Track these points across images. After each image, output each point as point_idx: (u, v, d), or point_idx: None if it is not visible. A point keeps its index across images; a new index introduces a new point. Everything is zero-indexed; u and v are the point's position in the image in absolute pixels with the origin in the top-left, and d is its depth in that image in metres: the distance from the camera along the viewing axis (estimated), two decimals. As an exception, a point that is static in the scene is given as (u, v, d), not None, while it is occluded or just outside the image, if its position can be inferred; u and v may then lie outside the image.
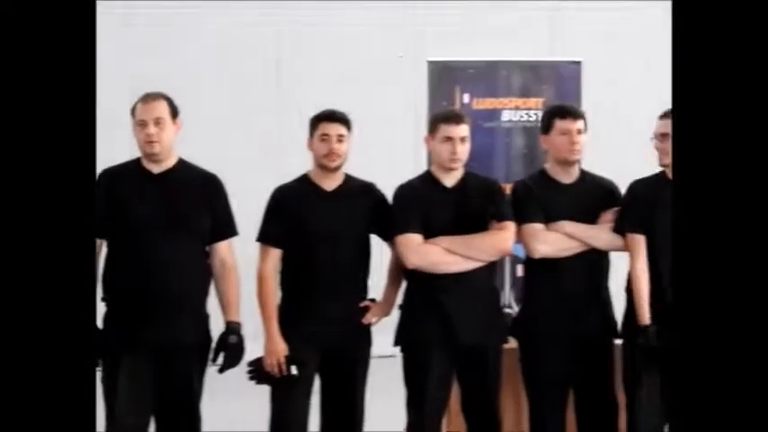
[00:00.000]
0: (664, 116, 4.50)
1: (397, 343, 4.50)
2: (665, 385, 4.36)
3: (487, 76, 6.01)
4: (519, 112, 6.01)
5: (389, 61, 6.86)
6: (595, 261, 4.55)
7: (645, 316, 4.40)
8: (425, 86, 5.93)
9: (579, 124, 4.57)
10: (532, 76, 6.05)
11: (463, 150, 4.45)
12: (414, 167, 4.55)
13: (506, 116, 5.98)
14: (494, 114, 5.98)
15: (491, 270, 4.52)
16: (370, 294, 4.58)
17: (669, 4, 7.00)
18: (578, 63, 6.06)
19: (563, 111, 4.63)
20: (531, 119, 5.99)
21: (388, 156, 5.55)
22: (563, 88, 6.03)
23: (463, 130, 4.46)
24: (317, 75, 7.49)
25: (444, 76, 5.96)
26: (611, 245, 4.54)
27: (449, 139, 4.43)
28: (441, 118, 4.52)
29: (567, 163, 4.59)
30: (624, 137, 5.96)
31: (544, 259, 4.51)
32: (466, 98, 5.98)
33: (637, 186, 4.58)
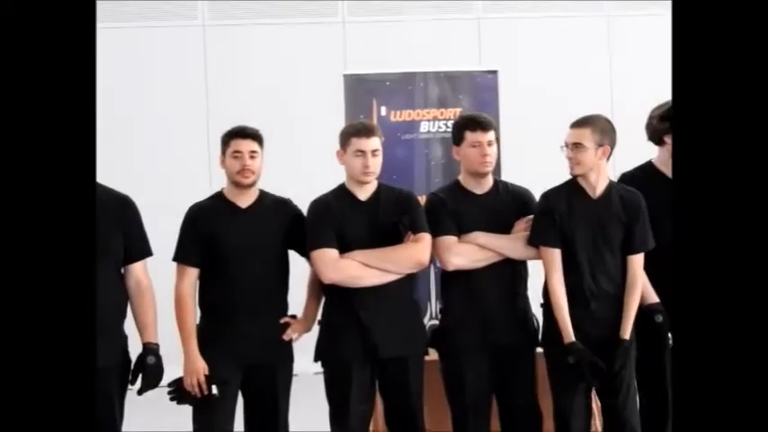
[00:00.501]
0: (574, 125, 4.53)
1: (317, 358, 4.48)
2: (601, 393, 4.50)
3: (404, 88, 6.01)
4: (437, 122, 6.02)
5: (307, 74, 6.84)
6: (511, 270, 4.56)
7: (569, 334, 4.40)
8: (342, 100, 5.93)
9: (490, 136, 4.58)
10: (449, 86, 6.06)
11: (375, 163, 4.45)
12: (334, 182, 4.53)
13: (424, 127, 5.99)
14: (412, 126, 5.98)
15: (409, 282, 4.52)
16: (293, 311, 4.55)
17: (590, 13, 7.11)
18: (495, 72, 6.09)
19: (473, 122, 4.63)
20: (449, 130, 5.93)
21: (306, 171, 5.52)
22: (480, 98, 6.05)
23: (374, 142, 4.45)
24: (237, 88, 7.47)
25: (361, 89, 5.96)
26: (525, 254, 4.56)
27: (361, 152, 4.43)
28: (351, 131, 4.50)
29: (478, 174, 4.59)
30: (543, 145, 5.97)
31: (459, 270, 4.51)
32: (383, 111, 5.99)
33: (548, 197, 4.57)
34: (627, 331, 4.43)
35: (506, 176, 5.55)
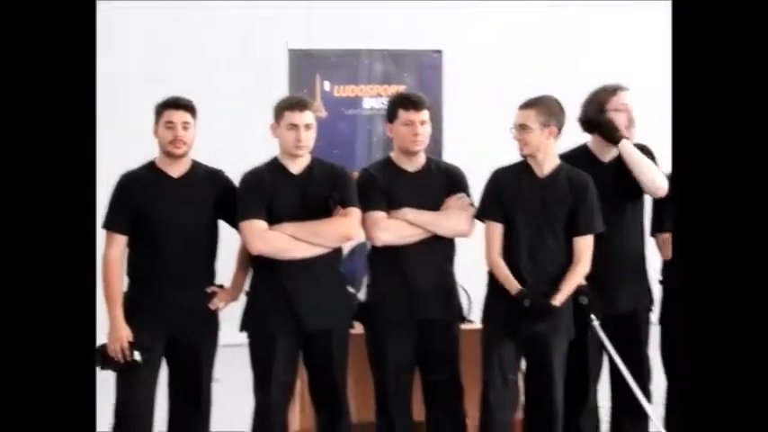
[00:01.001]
0: (521, 107, 4.57)
1: (242, 328, 4.51)
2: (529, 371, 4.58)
3: (349, 64, 6.05)
4: (380, 99, 6.06)
5: (250, 48, 6.85)
6: (438, 247, 4.61)
7: (513, 285, 4.46)
8: (286, 74, 5.94)
9: (423, 115, 4.60)
10: (394, 64, 6.11)
11: (308, 137, 4.47)
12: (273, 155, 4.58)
13: (368, 104, 6.04)
14: (355, 102, 6.02)
15: (336, 256, 4.55)
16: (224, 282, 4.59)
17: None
18: (439, 52, 6.14)
19: (407, 101, 4.66)
20: (391, 106, 6.02)
21: (247, 144, 5.53)
22: (425, 77, 6.10)
23: (307, 117, 4.47)
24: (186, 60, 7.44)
25: (305, 64, 5.98)
26: (453, 231, 4.61)
27: (293, 126, 4.44)
28: (285, 105, 4.52)
29: (409, 152, 4.63)
30: (486, 126, 6.02)
31: (387, 246, 4.56)
32: (327, 85, 6.02)
33: (498, 175, 4.64)
34: (557, 299, 4.46)
35: (448, 156, 5.64)
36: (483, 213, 4.59)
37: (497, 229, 4.55)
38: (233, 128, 6.79)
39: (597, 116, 4.75)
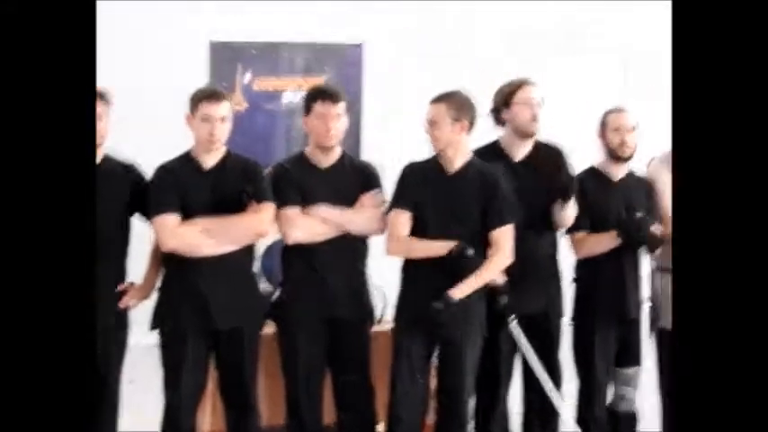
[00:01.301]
0: (433, 101, 4.52)
1: (153, 326, 4.42)
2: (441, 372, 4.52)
3: (270, 56, 6.03)
4: (300, 93, 6.01)
5: (170, 39, 6.76)
6: (351, 245, 4.55)
7: (445, 247, 4.38)
8: (207, 65, 5.90)
9: (338, 108, 4.51)
10: (315, 56, 6.09)
11: (223, 130, 4.35)
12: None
13: (287, 98, 6.02)
14: (274, 96, 6.00)
15: (249, 252, 4.47)
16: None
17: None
18: (359, 46, 6.12)
19: (322, 93, 4.57)
20: (312, 98, 5.99)
21: (166, 137, 5.45)
22: (345, 70, 6.10)
23: (223, 109, 4.34)
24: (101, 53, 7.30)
25: (227, 56, 5.94)
26: (366, 229, 4.56)
27: (208, 117, 4.32)
28: (200, 96, 4.38)
29: (323, 147, 4.55)
30: (405, 120, 6.00)
31: (300, 243, 4.49)
32: (247, 78, 5.98)
33: (407, 170, 4.58)
34: (457, 291, 4.36)
35: (366, 151, 5.65)
36: (391, 206, 4.53)
37: (404, 215, 4.47)
38: (152, 120, 6.69)
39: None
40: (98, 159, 4.35)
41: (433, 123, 4.48)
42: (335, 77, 6.01)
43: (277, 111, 5.92)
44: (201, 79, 5.78)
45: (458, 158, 4.51)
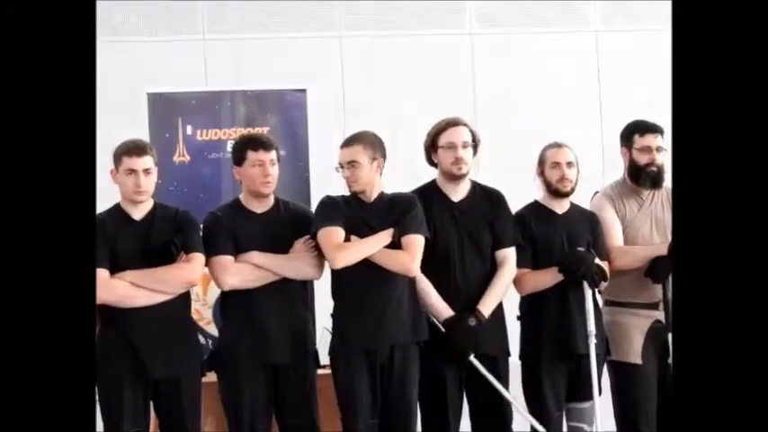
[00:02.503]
0: (345, 144, 4.62)
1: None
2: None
3: (211, 107, 5.95)
4: (245, 141, 5.92)
5: (109, 91, 6.71)
6: (289, 290, 4.56)
7: None
8: (145, 118, 5.83)
9: (272, 155, 4.58)
10: (257, 105, 6.01)
11: (147, 182, 4.42)
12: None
13: (231, 147, 5.91)
14: (219, 145, 5.91)
15: (184, 302, 4.48)
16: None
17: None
18: (303, 91, 6.06)
19: (255, 142, 4.65)
20: (257, 148, 5.91)
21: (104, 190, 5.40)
22: (289, 116, 6.02)
23: (146, 161, 4.43)
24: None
25: (166, 108, 5.87)
26: (299, 273, 4.55)
27: (132, 171, 4.40)
28: (123, 150, 4.46)
29: (259, 194, 4.59)
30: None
31: (236, 290, 4.50)
32: (189, 129, 5.91)
33: (328, 198, 4.66)
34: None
35: (316, 195, 5.55)
36: (319, 227, 4.54)
37: (337, 230, 4.51)
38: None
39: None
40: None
41: (352, 165, 4.57)
42: (280, 124, 5.94)
43: (222, 159, 5.84)
44: (142, 132, 5.70)
45: (375, 192, 4.62)
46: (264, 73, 6.86)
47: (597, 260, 4.72)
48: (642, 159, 4.95)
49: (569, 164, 4.82)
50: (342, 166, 4.57)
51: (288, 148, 5.96)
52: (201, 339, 5.45)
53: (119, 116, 6.29)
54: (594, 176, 5.23)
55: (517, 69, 7.52)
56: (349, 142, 4.57)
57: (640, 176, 4.94)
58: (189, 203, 5.16)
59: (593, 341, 4.67)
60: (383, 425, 4.55)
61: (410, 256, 4.51)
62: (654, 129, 5.00)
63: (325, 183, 5.93)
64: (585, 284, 4.68)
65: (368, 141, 4.58)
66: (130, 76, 6.68)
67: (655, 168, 4.93)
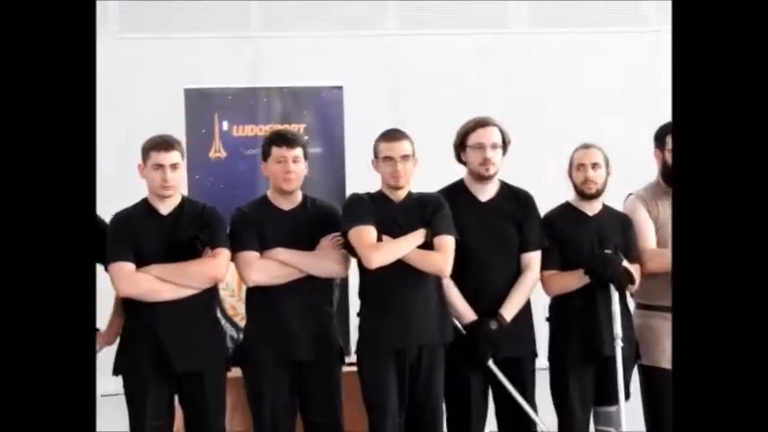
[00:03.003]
0: (392, 138, 4.66)
1: (115, 372, 4.45)
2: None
3: (247, 103, 5.95)
4: (280, 137, 5.91)
5: (145, 89, 6.75)
6: (314, 287, 4.56)
7: None
8: (182, 114, 5.85)
9: (296, 152, 4.59)
10: (293, 102, 6.01)
11: (175, 177, 4.46)
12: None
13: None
14: (255, 141, 5.90)
15: (209, 297, 4.50)
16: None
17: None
18: (340, 88, 6.05)
19: (279, 138, 4.67)
20: (293, 145, 5.92)
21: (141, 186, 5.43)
22: (325, 113, 6.01)
23: (174, 156, 4.47)
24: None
25: (202, 104, 5.88)
26: (325, 271, 4.55)
27: (159, 166, 4.44)
28: (151, 145, 4.51)
29: (283, 191, 4.58)
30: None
31: (261, 287, 4.51)
32: (225, 125, 5.92)
33: (356, 196, 4.71)
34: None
35: (349, 191, 5.54)
36: (351, 226, 4.56)
37: (369, 228, 4.53)
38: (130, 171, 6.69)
39: None
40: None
41: (404, 159, 4.57)
42: (316, 121, 5.94)
43: (258, 155, 5.81)
44: (179, 128, 5.73)
45: (405, 192, 4.66)
46: (301, 69, 6.84)
47: (626, 263, 4.66)
48: None
49: (595, 165, 4.77)
50: (387, 159, 4.55)
51: (324, 145, 5.97)
52: (234, 334, 5.48)
53: (156, 111, 6.30)
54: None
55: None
56: (397, 136, 4.60)
57: None
58: (225, 199, 5.20)
59: (619, 344, 4.62)
60: (410, 424, 4.54)
61: (443, 257, 4.50)
62: None
63: (361, 180, 5.96)
64: (612, 287, 4.63)
65: (409, 137, 4.61)
66: (168, 72, 6.68)
67: None
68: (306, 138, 5.80)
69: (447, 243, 4.50)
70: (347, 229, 4.51)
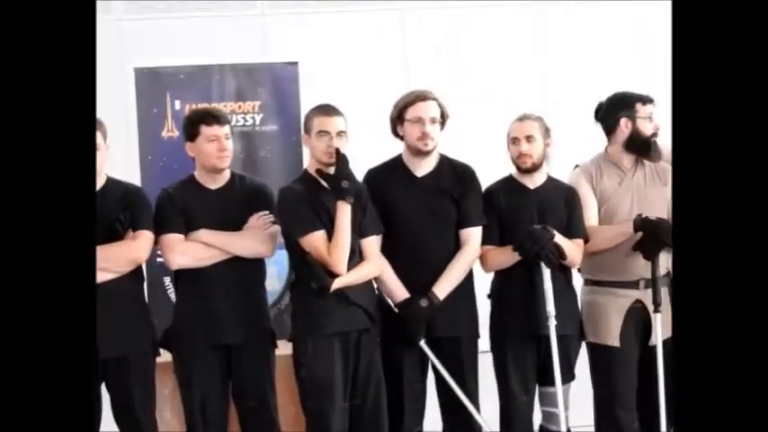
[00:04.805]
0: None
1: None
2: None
3: (200, 81, 5.83)
4: (235, 116, 5.81)
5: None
6: (242, 268, 4.44)
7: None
8: (133, 93, 5.75)
9: (227, 129, 4.49)
10: (247, 79, 5.89)
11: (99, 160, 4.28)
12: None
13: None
14: (208, 120, 5.80)
15: (134, 279, 4.39)
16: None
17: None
18: (295, 64, 5.93)
19: (209, 116, 4.54)
20: (247, 123, 5.83)
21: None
22: (280, 90, 5.88)
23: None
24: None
25: (153, 83, 5.77)
26: (251, 251, 4.43)
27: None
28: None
29: (215, 170, 4.48)
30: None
31: (188, 269, 4.41)
32: (177, 104, 5.81)
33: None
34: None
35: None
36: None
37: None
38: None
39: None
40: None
41: (340, 134, 4.46)
42: (270, 99, 5.82)
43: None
44: (129, 108, 5.64)
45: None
46: (254, 46, 6.74)
47: (560, 238, 4.52)
48: (648, 129, 4.73)
49: (529, 138, 4.62)
50: (322, 133, 4.47)
51: (279, 122, 5.85)
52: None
53: (104, 91, 6.22)
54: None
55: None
56: (334, 111, 4.55)
57: (650, 147, 4.71)
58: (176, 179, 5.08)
59: (552, 323, 4.48)
60: (354, 406, 4.44)
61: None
62: (651, 98, 4.80)
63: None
64: (543, 264, 4.49)
65: (344, 115, 4.57)
66: (116, 51, 6.61)
67: (657, 138, 4.73)
68: (261, 115, 5.73)
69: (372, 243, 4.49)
70: (297, 237, 4.37)
